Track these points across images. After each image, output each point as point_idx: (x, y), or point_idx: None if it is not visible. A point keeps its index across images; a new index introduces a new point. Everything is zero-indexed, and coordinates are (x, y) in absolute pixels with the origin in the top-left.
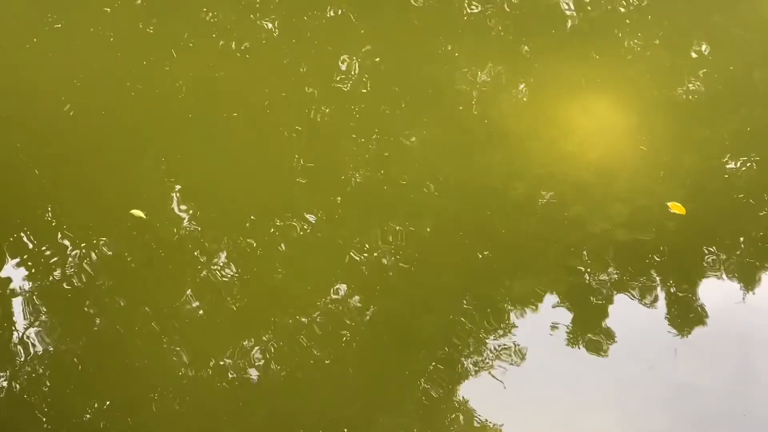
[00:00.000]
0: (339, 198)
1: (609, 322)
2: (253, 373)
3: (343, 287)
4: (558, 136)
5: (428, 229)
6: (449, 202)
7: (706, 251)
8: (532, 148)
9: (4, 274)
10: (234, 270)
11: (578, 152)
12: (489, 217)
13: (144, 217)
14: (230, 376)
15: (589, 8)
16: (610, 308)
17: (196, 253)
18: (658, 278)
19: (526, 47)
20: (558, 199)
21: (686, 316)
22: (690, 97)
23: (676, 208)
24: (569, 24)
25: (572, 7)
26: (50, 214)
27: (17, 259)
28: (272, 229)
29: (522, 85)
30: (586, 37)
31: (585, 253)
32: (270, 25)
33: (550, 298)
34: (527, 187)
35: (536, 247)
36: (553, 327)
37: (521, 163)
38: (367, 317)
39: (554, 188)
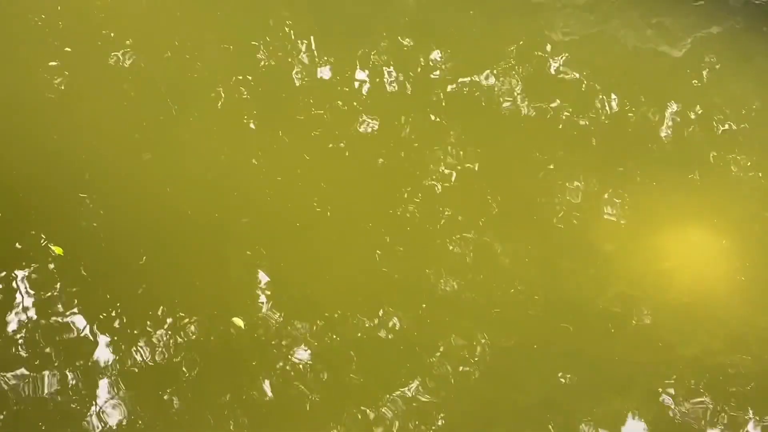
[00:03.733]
0: (422, 301)
1: None
2: None
3: (417, 392)
4: (652, 256)
5: (509, 341)
6: (534, 315)
7: None
8: (625, 268)
9: (91, 349)
10: (312, 364)
11: (673, 275)
12: (575, 334)
13: (242, 327)
14: None
15: (690, 127)
16: None
17: (276, 344)
18: (751, 411)
19: (622, 163)
20: (649, 320)
21: None
22: None
23: None
24: (667, 142)
25: (671, 126)
26: (144, 298)
27: (106, 336)
28: (353, 328)
29: (616, 202)
30: (684, 156)
31: (675, 378)
32: (368, 126)
33: (635, 424)
34: (617, 306)
35: (623, 370)
36: None
37: (612, 282)
38: (440, 425)
39: (645, 309)
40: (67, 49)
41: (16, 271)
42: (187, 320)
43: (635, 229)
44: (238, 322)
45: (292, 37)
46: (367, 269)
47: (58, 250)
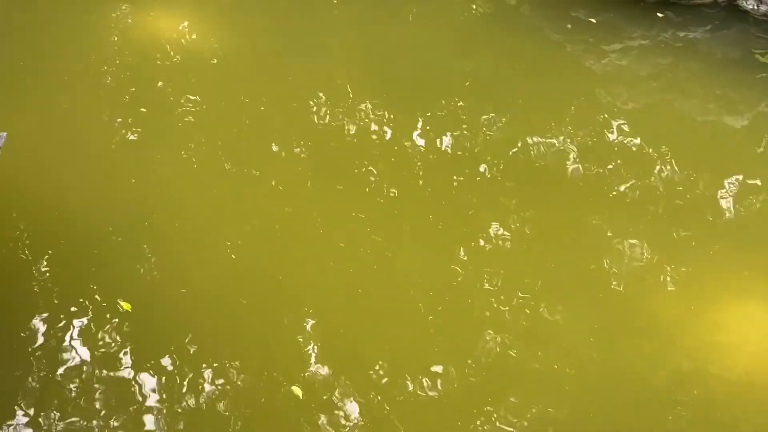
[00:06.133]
0: (470, 362)
1: None
2: None
3: None
4: (712, 331)
5: (561, 412)
6: (588, 386)
7: None
8: (681, 340)
9: (143, 400)
10: (358, 423)
11: (733, 351)
12: (629, 406)
13: (300, 396)
14: None
15: (752, 199)
16: None
17: (325, 404)
18: None
19: (682, 234)
20: (707, 397)
21: None
22: None
23: None
24: (728, 213)
25: (732, 197)
26: (200, 354)
27: (155, 378)
28: (405, 392)
29: (676, 273)
30: (746, 228)
31: None
32: (420, 183)
33: None
34: (674, 380)
35: None
36: None
37: (669, 355)
38: None
39: (703, 385)
40: (142, 109)
41: (82, 323)
42: (239, 377)
43: (694, 302)
44: (297, 391)
45: (353, 98)
46: (412, 326)
47: (126, 305)
